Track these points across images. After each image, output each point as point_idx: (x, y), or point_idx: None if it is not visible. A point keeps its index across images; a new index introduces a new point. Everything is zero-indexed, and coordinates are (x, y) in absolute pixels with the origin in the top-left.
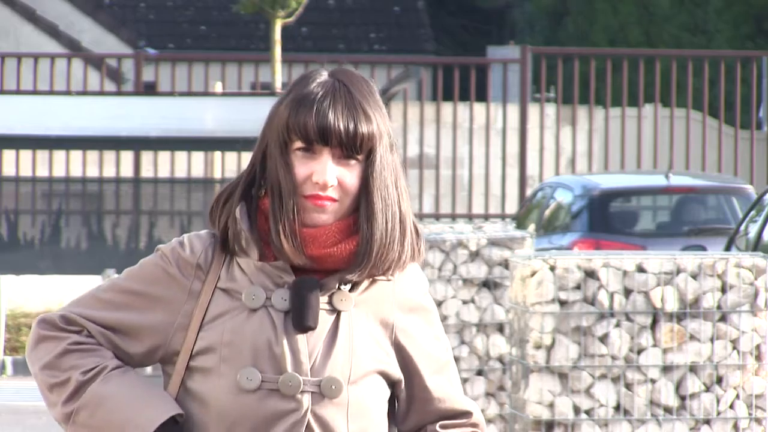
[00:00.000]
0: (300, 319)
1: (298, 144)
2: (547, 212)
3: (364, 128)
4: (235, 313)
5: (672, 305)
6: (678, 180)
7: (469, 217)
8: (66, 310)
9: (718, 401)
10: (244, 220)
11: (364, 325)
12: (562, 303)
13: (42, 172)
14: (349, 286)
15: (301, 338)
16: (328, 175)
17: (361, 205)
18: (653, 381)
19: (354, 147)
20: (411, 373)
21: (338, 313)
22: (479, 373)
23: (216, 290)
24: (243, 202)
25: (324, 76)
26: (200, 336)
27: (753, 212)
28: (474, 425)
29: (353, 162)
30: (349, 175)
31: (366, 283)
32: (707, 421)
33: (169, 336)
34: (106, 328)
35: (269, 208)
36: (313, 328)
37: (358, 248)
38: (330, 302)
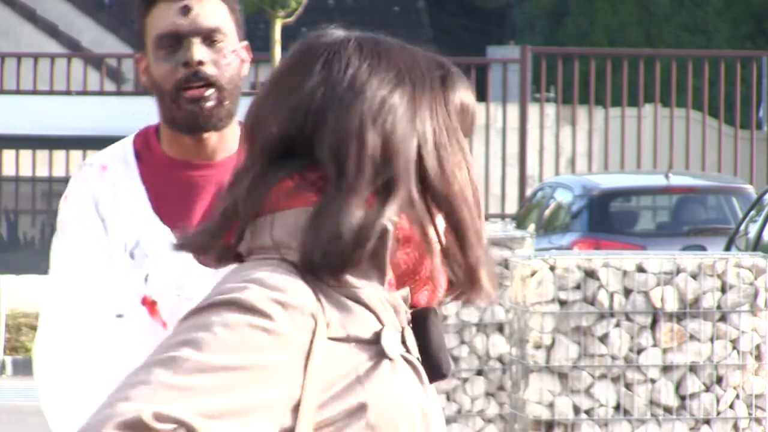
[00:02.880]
0: (440, 367)
1: None
2: (547, 212)
3: None
4: (370, 366)
5: (672, 305)
6: (678, 180)
7: None
8: (156, 414)
9: (718, 401)
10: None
11: None
12: (562, 303)
13: (42, 172)
14: None
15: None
16: None
17: None
18: (653, 381)
19: None
20: None
21: None
22: (479, 373)
23: (328, 342)
24: None
25: None
26: (322, 411)
27: (753, 212)
28: None
29: None
30: None
31: None
32: (707, 421)
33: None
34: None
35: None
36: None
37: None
38: None
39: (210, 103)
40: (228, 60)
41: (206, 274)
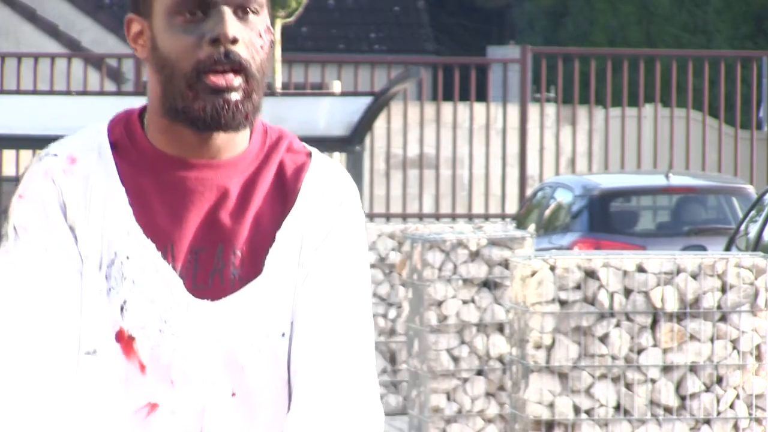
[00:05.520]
0: None
1: None
2: (547, 212)
3: None
4: None
5: (672, 305)
6: (678, 180)
7: (469, 217)
8: None
9: (718, 401)
10: None
11: None
12: (562, 303)
13: None
14: None
15: None
16: None
17: None
18: (653, 381)
19: None
20: None
21: None
22: (479, 373)
23: None
24: None
25: None
26: None
27: (753, 212)
28: None
29: None
30: None
31: None
32: (707, 421)
33: None
34: None
35: None
36: None
37: None
38: None
39: (237, 96)
40: (262, 41)
41: (196, 305)
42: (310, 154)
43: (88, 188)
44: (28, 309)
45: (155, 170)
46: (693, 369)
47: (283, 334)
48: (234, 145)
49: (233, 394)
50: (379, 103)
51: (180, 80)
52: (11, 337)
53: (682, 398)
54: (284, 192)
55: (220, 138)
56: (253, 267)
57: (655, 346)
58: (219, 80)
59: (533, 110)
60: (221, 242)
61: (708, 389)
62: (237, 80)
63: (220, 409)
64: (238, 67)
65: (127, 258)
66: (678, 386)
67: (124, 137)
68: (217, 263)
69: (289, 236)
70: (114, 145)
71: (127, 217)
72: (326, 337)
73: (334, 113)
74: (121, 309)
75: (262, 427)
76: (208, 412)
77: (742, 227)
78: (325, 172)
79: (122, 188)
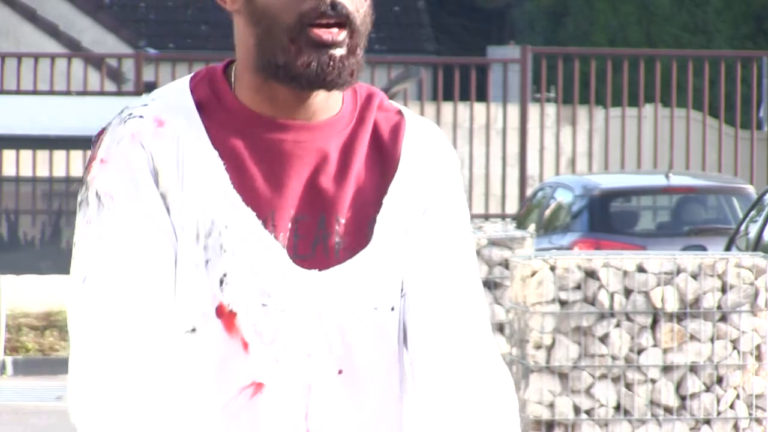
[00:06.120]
0: None
1: None
2: (547, 212)
3: None
4: None
5: (672, 305)
6: (678, 180)
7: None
8: None
9: (718, 401)
10: None
11: None
12: (562, 303)
13: (42, 172)
14: None
15: None
16: None
17: None
18: (653, 381)
19: None
20: None
21: None
22: None
23: None
24: None
25: None
26: None
27: (753, 212)
28: None
29: None
30: None
31: None
32: (707, 421)
33: None
34: None
35: None
36: None
37: None
38: None
39: (342, 51)
40: None
41: (302, 277)
42: (400, 112)
43: (180, 153)
44: (119, 286)
45: (247, 132)
46: (693, 369)
47: (393, 308)
48: (329, 105)
49: (340, 372)
50: None
51: (281, 33)
52: (104, 317)
53: (682, 398)
54: (383, 156)
55: (319, 97)
56: (358, 236)
57: (655, 346)
58: (324, 34)
59: (533, 110)
60: (323, 210)
61: (708, 389)
62: (342, 34)
63: (327, 387)
64: (344, 20)
65: (226, 227)
66: (678, 386)
67: (211, 96)
68: (320, 232)
69: (395, 202)
70: (199, 105)
71: (225, 185)
72: (451, 306)
73: None
74: (221, 282)
75: (371, 407)
76: (314, 390)
77: (742, 227)
78: (423, 133)
79: (215, 152)
